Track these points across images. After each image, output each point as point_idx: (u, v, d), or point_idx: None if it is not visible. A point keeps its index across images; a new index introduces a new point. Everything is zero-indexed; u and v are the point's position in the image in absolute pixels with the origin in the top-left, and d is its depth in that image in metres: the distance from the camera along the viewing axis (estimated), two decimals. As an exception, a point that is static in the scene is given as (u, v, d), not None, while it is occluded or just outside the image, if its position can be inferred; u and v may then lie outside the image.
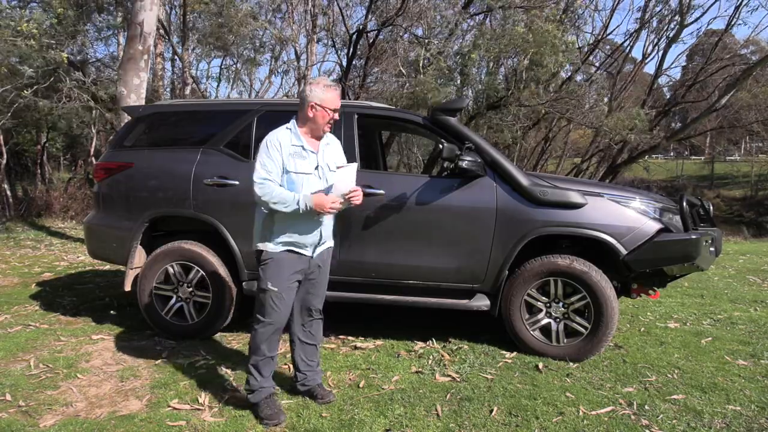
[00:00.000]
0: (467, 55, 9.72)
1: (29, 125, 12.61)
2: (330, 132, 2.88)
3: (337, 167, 2.79)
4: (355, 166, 2.79)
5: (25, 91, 8.36)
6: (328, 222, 2.90)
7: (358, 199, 2.73)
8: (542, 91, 9.88)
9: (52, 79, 8.47)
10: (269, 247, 2.78)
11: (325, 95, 2.75)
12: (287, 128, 2.80)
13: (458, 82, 10.44)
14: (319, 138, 2.83)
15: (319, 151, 2.83)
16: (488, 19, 11.08)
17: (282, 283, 2.79)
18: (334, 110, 2.79)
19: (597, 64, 13.14)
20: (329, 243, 2.98)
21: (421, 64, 10.26)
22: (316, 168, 2.80)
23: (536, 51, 8.78)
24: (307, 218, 2.76)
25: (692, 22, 13.72)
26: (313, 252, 2.86)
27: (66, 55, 8.15)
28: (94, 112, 8.82)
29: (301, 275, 2.86)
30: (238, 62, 13.90)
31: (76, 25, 9.35)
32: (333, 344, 3.93)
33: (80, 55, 11.06)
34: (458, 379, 3.31)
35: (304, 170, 2.76)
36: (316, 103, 2.74)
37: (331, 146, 2.93)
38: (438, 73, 9.61)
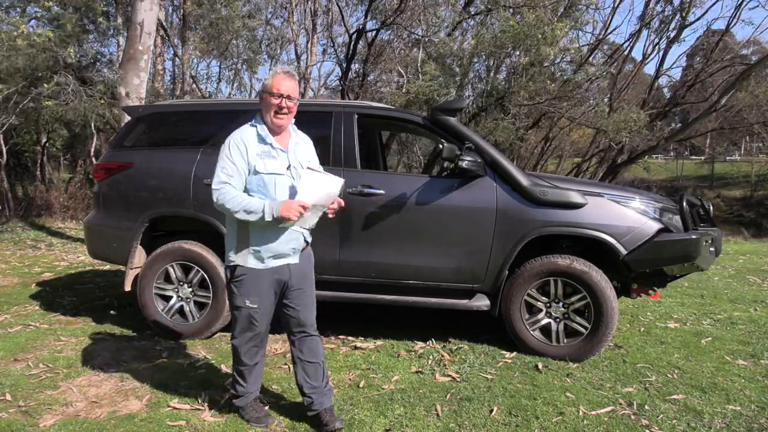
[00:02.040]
0: (468, 57, 9.72)
1: (30, 125, 12.60)
2: (288, 124, 2.62)
3: (307, 167, 2.51)
4: (331, 178, 2.51)
5: (42, 94, 8.34)
6: (303, 230, 2.62)
7: (333, 211, 2.54)
8: (543, 84, 9.86)
9: (55, 78, 8.46)
10: (249, 261, 2.54)
11: (267, 81, 2.54)
12: (251, 125, 2.59)
13: (457, 80, 10.44)
14: (280, 132, 2.60)
15: (290, 150, 2.61)
16: (488, 17, 11.08)
17: (262, 300, 2.59)
18: (280, 95, 2.50)
19: (596, 65, 13.13)
20: (308, 239, 2.70)
21: (419, 65, 10.27)
22: (288, 168, 2.57)
23: (527, 38, 8.75)
24: (268, 226, 2.50)
25: (693, 22, 13.74)
26: (282, 264, 2.59)
27: (71, 50, 8.11)
28: (98, 110, 8.78)
29: (280, 286, 2.62)
30: (238, 62, 13.91)
31: (77, 29, 9.34)
32: (333, 344, 3.93)
33: (81, 57, 11.05)
34: (458, 379, 3.31)
35: (275, 170, 2.53)
36: (261, 91, 2.55)
37: (302, 145, 2.70)
38: (438, 72, 9.61)
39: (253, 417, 2.73)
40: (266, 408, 2.85)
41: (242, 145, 2.53)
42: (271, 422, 2.73)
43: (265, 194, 2.51)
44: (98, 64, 10.69)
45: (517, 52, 9.82)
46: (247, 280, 2.56)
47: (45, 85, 8.20)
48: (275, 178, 2.53)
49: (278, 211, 2.40)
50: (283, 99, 2.51)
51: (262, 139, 2.57)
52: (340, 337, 4.07)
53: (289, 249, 2.59)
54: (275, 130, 2.59)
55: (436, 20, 10.85)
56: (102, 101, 8.50)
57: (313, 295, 2.73)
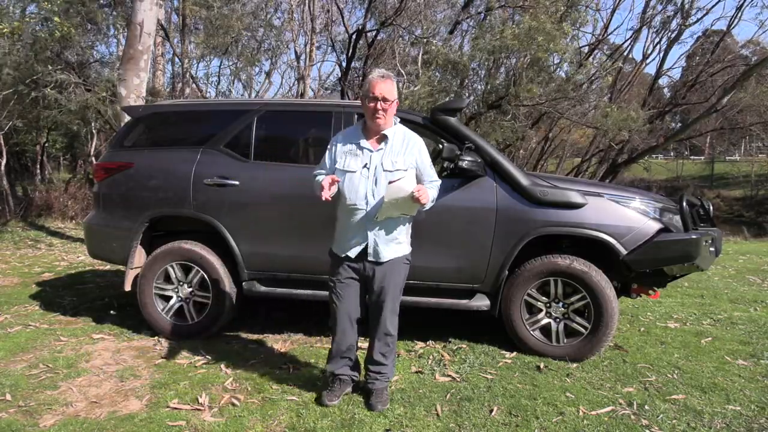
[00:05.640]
0: (466, 60, 9.73)
1: (31, 125, 12.61)
2: (386, 124, 2.75)
3: (390, 182, 2.64)
4: (406, 177, 2.64)
5: (44, 89, 8.29)
6: (375, 230, 2.74)
7: (422, 198, 2.59)
8: (542, 88, 9.85)
9: (56, 78, 8.46)
10: (333, 246, 2.92)
11: (365, 85, 2.73)
12: (356, 125, 2.87)
13: (458, 82, 10.44)
14: (377, 133, 2.77)
15: (378, 149, 2.76)
16: (488, 18, 11.08)
17: (336, 278, 2.89)
18: (375, 98, 2.66)
19: (597, 65, 13.12)
20: (386, 255, 2.79)
21: (419, 66, 10.26)
22: (365, 166, 2.74)
23: (527, 41, 8.75)
24: (347, 222, 2.79)
25: (695, 23, 13.74)
26: (355, 256, 2.80)
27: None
28: (94, 110, 8.78)
29: (352, 275, 2.85)
30: (238, 62, 13.90)
31: (78, 30, 9.33)
32: (333, 344, 3.92)
33: (81, 56, 11.05)
34: (458, 379, 3.31)
35: (350, 168, 2.74)
36: (361, 96, 2.74)
37: (398, 146, 2.77)
38: (435, 80, 9.62)
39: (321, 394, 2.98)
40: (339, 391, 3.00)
41: (334, 142, 2.85)
42: (327, 404, 2.91)
43: (344, 188, 2.75)
44: (97, 64, 10.69)
45: (517, 53, 9.82)
46: (332, 260, 2.92)
47: (47, 82, 8.18)
48: (348, 175, 2.75)
49: (317, 188, 2.69)
50: (379, 101, 2.68)
51: (351, 138, 2.81)
52: (340, 337, 4.06)
53: (345, 244, 2.82)
54: (373, 129, 2.77)
55: (434, 23, 10.86)
56: (104, 96, 8.49)
57: (381, 300, 2.89)
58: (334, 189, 2.69)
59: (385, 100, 2.67)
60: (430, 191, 2.77)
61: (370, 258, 2.79)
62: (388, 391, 3.03)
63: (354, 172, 2.74)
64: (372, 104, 2.68)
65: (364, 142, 2.76)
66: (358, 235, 2.77)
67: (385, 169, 2.73)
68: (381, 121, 2.71)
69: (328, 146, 2.87)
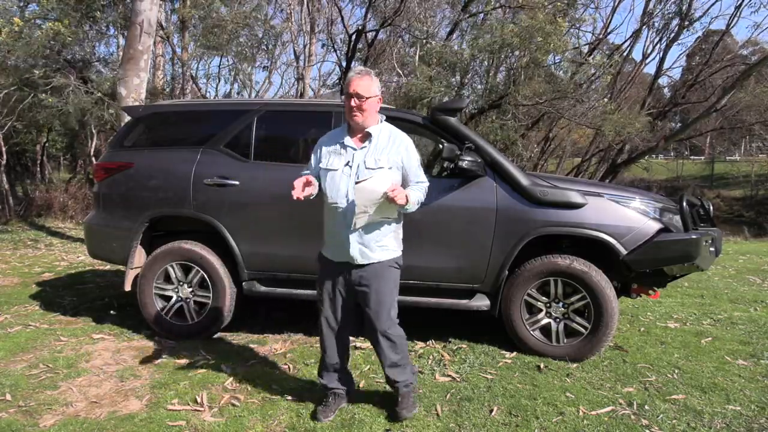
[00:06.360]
0: (466, 60, 9.73)
1: (32, 125, 12.60)
2: (364, 122, 2.65)
3: (356, 182, 2.54)
4: (375, 177, 2.53)
5: (42, 93, 8.29)
6: (358, 233, 2.63)
7: (397, 198, 2.46)
8: (543, 85, 9.85)
9: (55, 77, 8.45)
10: (323, 249, 2.83)
11: (345, 84, 2.68)
12: (342, 125, 2.83)
13: (458, 80, 10.43)
14: (360, 131, 2.69)
15: (362, 147, 2.67)
16: (487, 18, 11.08)
17: (323, 285, 2.78)
18: (350, 94, 2.60)
19: (596, 64, 13.11)
20: (370, 258, 2.67)
21: (416, 63, 10.27)
22: (347, 164, 2.66)
23: (527, 39, 8.75)
24: (330, 223, 2.71)
25: (695, 21, 13.72)
26: (343, 261, 2.69)
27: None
28: (95, 109, 8.75)
29: (341, 282, 2.73)
30: (237, 62, 13.89)
31: (77, 27, 9.32)
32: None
33: (81, 55, 11.05)
34: (458, 379, 3.31)
35: (333, 166, 2.67)
36: (342, 93, 2.71)
37: (383, 144, 2.68)
38: (433, 74, 9.61)
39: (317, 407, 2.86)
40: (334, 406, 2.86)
41: (319, 143, 2.82)
42: (322, 420, 2.78)
43: (326, 187, 2.68)
44: (98, 63, 10.68)
45: (516, 53, 9.82)
46: (319, 264, 2.84)
47: (42, 81, 8.19)
48: (331, 173, 2.68)
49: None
50: (353, 98, 2.62)
51: (336, 138, 2.77)
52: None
53: (332, 249, 2.74)
54: (354, 128, 2.72)
55: (434, 24, 10.88)
56: (101, 100, 8.49)
57: (377, 304, 2.73)
58: (309, 190, 2.60)
59: (359, 96, 2.60)
60: (414, 193, 2.64)
61: (355, 261, 2.66)
62: (413, 396, 2.90)
63: (336, 170, 2.67)
64: (348, 101, 2.63)
65: (347, 141, 2.70)
66: (342, 237, 2.66)
67: (368, 167, 2.63)
68: (358, 118, 2.64)
69: (314, 147, 2.83)
